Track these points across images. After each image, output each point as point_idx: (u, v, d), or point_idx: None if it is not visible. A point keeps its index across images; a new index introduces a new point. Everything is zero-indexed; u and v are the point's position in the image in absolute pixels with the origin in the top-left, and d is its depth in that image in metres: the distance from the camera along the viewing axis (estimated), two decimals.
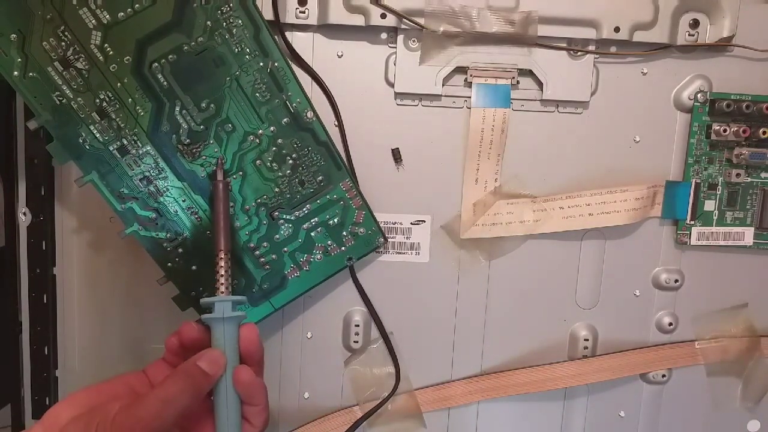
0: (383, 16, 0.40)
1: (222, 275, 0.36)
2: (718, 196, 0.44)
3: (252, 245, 0.41)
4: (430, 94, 0.42)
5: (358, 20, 0.40)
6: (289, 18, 0.40)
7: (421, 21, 0.40)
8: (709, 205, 0.44)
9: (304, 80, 0.41)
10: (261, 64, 0.37)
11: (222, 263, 0.36)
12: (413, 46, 0.41)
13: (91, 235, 0.44)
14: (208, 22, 0.36)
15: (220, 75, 0.37)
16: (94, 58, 0.35)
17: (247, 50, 0.37)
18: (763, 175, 0.44)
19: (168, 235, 0.39)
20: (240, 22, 0.36)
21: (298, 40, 0.41)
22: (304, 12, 0.40)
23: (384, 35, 0.42)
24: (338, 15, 0.40)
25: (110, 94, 0.36)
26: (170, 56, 0.36)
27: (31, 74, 0.35)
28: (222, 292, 0.36)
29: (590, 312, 0.46)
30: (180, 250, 0.39)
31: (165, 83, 0.37)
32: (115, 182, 0.38)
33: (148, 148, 0.38)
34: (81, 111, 0.36)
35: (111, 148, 0.37)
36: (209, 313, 0.35)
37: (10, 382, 0.45)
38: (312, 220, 0.41)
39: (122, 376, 0.34)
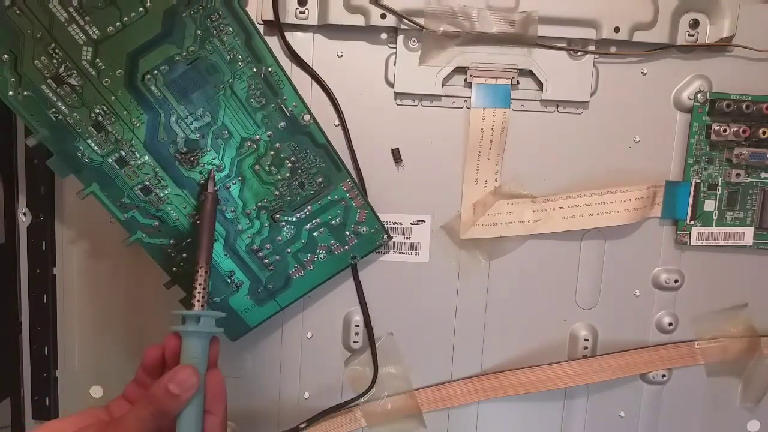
0: (383, 16, 0.40)
1: (200, 291, 0.35)
2: (718, 196, 0.44)
3: (255, 247, 0.41)
4: (430, 94, 0.42)
5: (358, 20, 0.40)
6: (289, 18, 0.40)
7: (421, 21, 0.40)
8: (709, 205, 0.44)
9: (305, 80, 0.41)
10: (254, 70, 0.37)
11: (201, 277, 0.35)
12: (413, 46, 0.41)
13: (91, 235, 0.44)
14: (198, 32, 0.36)
15: (214, 83, 0.37)
16: (87, 73, 0.36)
17: (240, 57, 0.37)
18: (763, 175, 0.44)
19: (171, 241, 0.39)
20: (230, 29, 0.36)
21: (298, 40, 0.41)
22: (304, 12, 0.40)
23: (384, 35, 0.42)
24: (338, 15, 0.40)
25: (105, 108, 0.36)
26: (162, 67, 0.36)
27: (25, 93, 0.35)
28: (196, 306, 0.35)
29: (590, 312, 0.46)
30: (184, 254, 0.40)
31: (159, 94, 0.37)
32: (115, 193, 0.38)
33: (146, 158, 0.38)
34: (78, 126, 0.36)
35: (110, 161, 0.37)
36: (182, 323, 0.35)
37: (9, 381, 0.45)
38: (314, 221, 0.41)
39: (90, 409, 0.35)
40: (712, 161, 0.44)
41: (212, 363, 0.35)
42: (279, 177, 0.40)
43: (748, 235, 0.45)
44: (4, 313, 0.44)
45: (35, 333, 0.44)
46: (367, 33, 0.41)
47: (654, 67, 0.43)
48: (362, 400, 0.45)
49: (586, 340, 0.46)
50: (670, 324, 0.46)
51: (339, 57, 0.42)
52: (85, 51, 0.35)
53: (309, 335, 0.45)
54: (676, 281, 0.45)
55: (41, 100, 0.35)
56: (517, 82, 0.42)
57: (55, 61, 0.35)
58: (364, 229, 0.42)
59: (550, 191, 0.44)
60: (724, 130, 0.42)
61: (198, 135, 0.38)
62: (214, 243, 0.40)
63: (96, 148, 0.37)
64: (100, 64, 0.36)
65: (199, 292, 0.35)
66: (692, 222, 0.44)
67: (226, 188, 0.39)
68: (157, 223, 0.39)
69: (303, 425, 0.44)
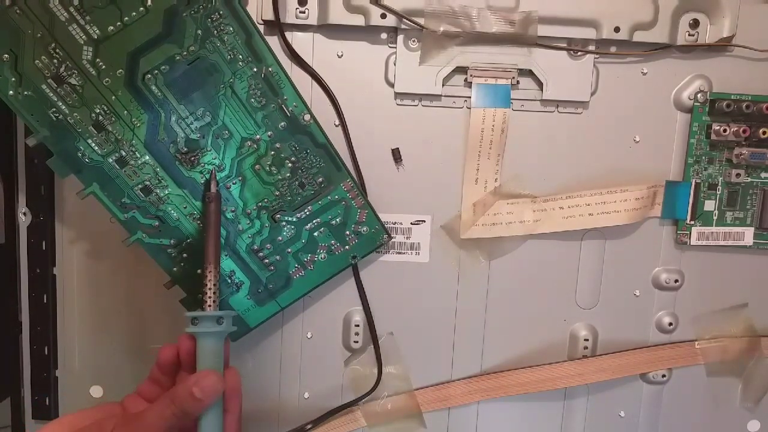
0: (383, 16, 0.40)
1: (212, 290, 0.36)
2: (718, 196, 0.44)
3: (255, 248, 0.41)
4: (430, 94, 0.42)
5: (358, 20, 0.40)
6: (289, 18, 0.40)
7: (421, 21, 0.40)
8: (709, 205, 0.44)
9: (305, 80, 0.41)
10: (255, 69, 0.37)
11: (210, 277, 0.36)
12: (413, 46, 0.41)
13: (91, 235, 0.44)
14: (199, 31, 0.36)
15: (214, 83, 0.37)
16: (87, 73, 0.36)
17: (240, 57, 0.37)
18: (763, 175, 0.44)
19: (171, 241, 0.39)
20: (231, 29, 0.36)
21: (298, 40, 0.41)
22: (304, 12, 0.40)
23: (384, 35, 0.42)
24: (338, 15, 0.40)
25: (105, 108, 0.36)
26: (163, 67, 0.36)
27: (26, 93, 0.35)
28: (209, 306, 0.36)
29: (590, 312, 0.46)
30: (184, 255, 0.40)
31: (159, 94, 0.37)
32: (116, 193, 0.38)
33: (147, 158, 0.38)
34: (78, 126, 0.36)
35: (110, 161, 0.37)
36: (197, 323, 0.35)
37: (9, 381, 0.45)
38: (314, 221, 0.41)
39: (103, 405, 0.36)
40: (712, 161, 0.44)
41: (225, 361, 0.36)
42: (279, 177, 0.40)
43: (748, 235, 0.45)
44: (4, 313, 0.44)
45: (35, 333, 0.44)
46: (367, 33, 0.41)
47: (654, 67, 0.43)
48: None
49: (586, 340, 0.46)
50: (670, 324, 0.46)
51: (339, 57, 0.42)
52: (86, 50, 0.35)
53: (309, 335, 0.45)
54: (676, 281, 0.45)
55: (41, 100, 0.35)
56: (517, 82, 0.42)
57: (55, 60, 0.35)
58: (365, 228, 0.42)
59: (550, 191, 0.44)
60: (724, 130, 0.42)
61: (198, 135, 0.38)
62: None
63: (96, 147, 0.37)
64: (100, 63, 0.36)
65: (213, 292, 0.36)
66: (692, 222, 0.44)
67: (226, 188, 0.39)
68: (157, 223, 0.39)
69: (309, 426, 0.44)
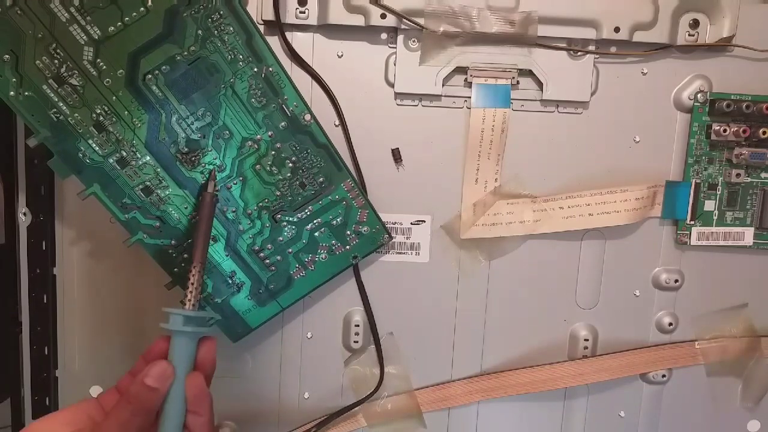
0: (383, 16, 0.40)
1: (192, 288, 0.36)
2: (718, 196, 0.44)
3: (256, 248, 0.41)
4: (430, 94, 0.42)
5: (358, 20, 0.40)
6: (289, 18, 0.40)
7: (421, 21, 0.40)
8: (709, 205, 0.44)
9: (305, 80, 0.41)
10: (255, 69, 0.37)
11: (195, 276, 0.36)
12: (413, 46, 0.41)
13: (92, 235, 0.44)
14: (199, 31, 0.36)
15: (215, 83, 0.37)
16: (88, 73, 0.36)
17: (240, 57, 0.37)
18: (763, 175, 0.44)
19: (172, 241, 0.39)
20: (231, 29, 0.36)
21: (298, 40, 0.41)
22: (304, 12, 0.40)
23: (384, 35, 0.42)
24: (338, 15, 0.40)
25: (106, 108, 0.36)
26: (163, 67, 0.36)
27: (26, 93, 0.35)
28: (192, 305, 0.35)
29: (590, 312, 0.46)
30: (185, 255, 0.40)
31: (160, 94, 0.37)
32: (117, 193, 0.38)
33: (147, 158, 0.38)
34: (78, 126, 0.36)
35: (111, 161, 0.37)
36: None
37: (9, 381, 0.45)
38: (315, 221, 0.41)
39: (80, 404, 0.35)
40: (712, 161, 0.44)
41: (205, 364, 0.35)
42: (280, 177, 0.40)
43: (748, 235, 0.45)
44: (4, 313, 0.44)
45: (35, 333, 0.44)
46: (367, 33, 0.41)
47: (654, 67, 0.43)
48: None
49: (586, 340, 0.46)
50: (670, 324, 0.46)
51: (339, 57, 0.42)
52: (87, 51, 0.35)
53: (309, 335, 0.45)
54: (676, 281, 0.45)
55: (42, 101, 0.35)
56: (517, 82, 0.42)
57: (56, 61, 0.35)
58: (365, 228, 0.42)
59: (550, 191, 0.44)
60: (724, 130, 0.42)
61: (199, 135, 0.38)
62: (214, 243, 0.40)
63: (97, 148, 0.37)
64: (101, 64, 0.36)
65: (190, 291, 0.35)
66: (692, 222, 0.44)
67: (227, 188, 0.39)
68: (158, 224, 0.39)
69: (313, 429, 0.44)
